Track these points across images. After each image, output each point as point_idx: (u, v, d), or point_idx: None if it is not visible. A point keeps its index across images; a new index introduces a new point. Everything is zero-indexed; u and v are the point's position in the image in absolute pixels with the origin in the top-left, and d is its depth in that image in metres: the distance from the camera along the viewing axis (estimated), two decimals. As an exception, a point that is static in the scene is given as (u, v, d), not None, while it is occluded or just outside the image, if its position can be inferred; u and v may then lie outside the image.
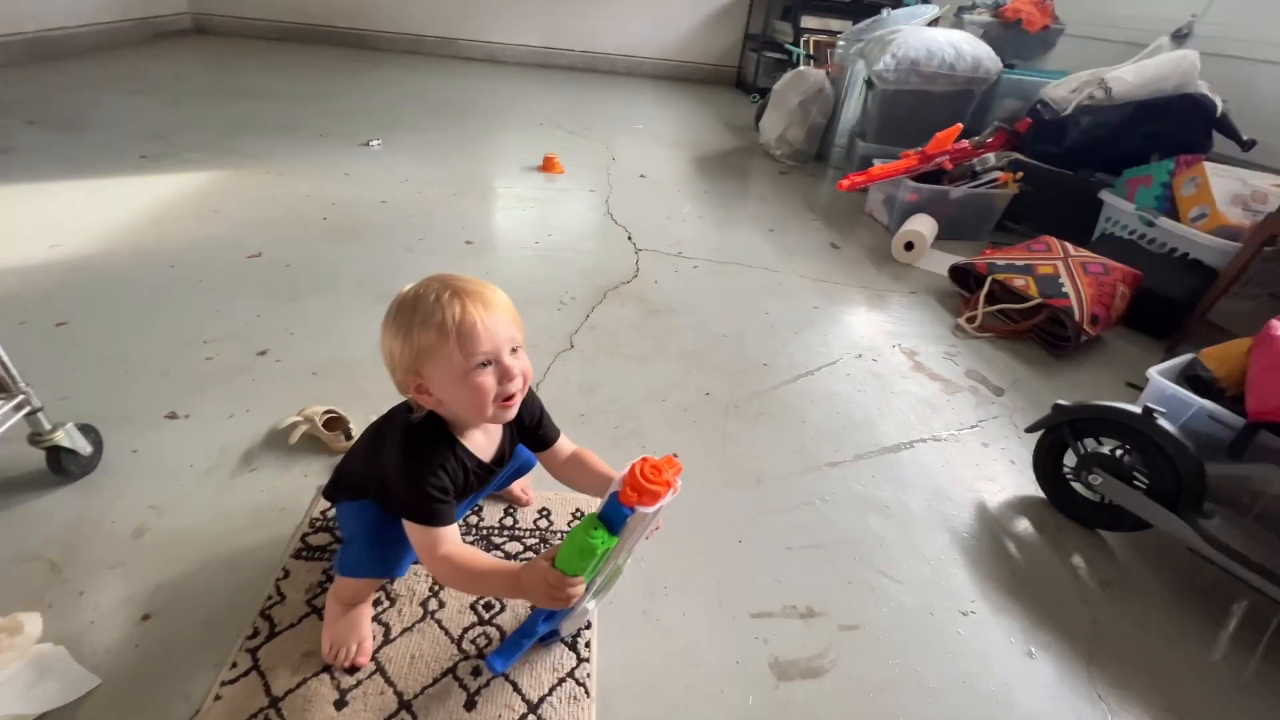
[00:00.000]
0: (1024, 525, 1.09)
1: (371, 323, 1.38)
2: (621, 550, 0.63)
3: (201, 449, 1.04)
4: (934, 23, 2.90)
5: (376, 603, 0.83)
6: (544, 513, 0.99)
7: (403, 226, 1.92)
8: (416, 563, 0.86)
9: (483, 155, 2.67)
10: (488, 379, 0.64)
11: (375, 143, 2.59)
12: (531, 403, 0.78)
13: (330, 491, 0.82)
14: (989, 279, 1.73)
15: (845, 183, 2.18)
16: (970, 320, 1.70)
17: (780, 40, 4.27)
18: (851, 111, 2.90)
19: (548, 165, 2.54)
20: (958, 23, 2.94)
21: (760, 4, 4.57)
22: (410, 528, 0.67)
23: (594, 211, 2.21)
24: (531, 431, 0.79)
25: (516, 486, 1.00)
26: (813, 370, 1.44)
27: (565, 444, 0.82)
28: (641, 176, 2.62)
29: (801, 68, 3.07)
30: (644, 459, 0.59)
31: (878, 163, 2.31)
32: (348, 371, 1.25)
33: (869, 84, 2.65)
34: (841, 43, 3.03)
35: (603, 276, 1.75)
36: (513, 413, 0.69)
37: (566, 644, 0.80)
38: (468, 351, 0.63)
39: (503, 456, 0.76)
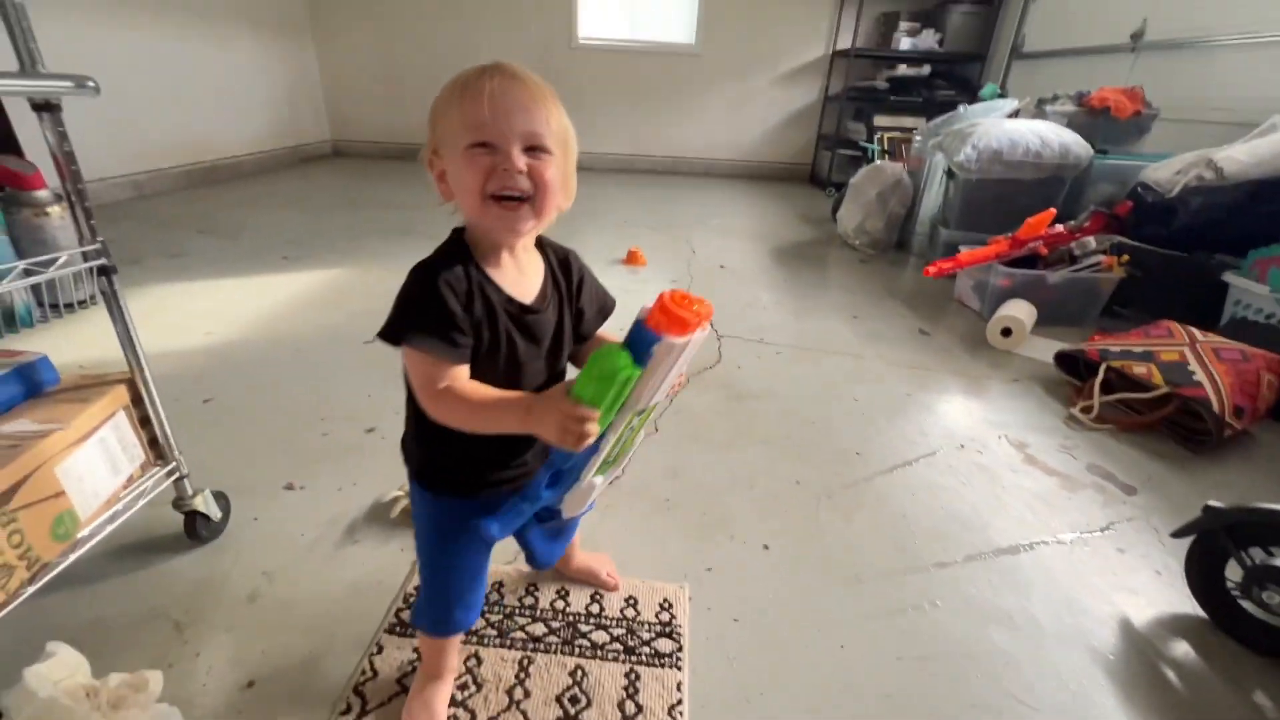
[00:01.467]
0: (1184, 649, 0.93)
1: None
2: (642, 392, 0.54)
3: (311, 519, 1.10)
4: (1014, 115, 2.92)
5: (463, 686, 0.81)
6: (630, 601, 0.96)
7: (499, 315, 2.05)
8: (479, 617, 0.82)
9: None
10: (480, 160, 0.55)
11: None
12: (577, 264, 0.69)
13: (406, 457, 0.72)
14: (1103, 366, 1.60)
15: (932, 269, 2.15)
16: (1086, 410, 1.57)
17: (854, 138, 4.42)
18: (932, 201, 2.89)
19: (631, 258, 2.68)
20: (1039, 114, 2.94)
21: (832, 106, 4.81)
22: (409, 359, 0.57)
23: (676, 300, 2.27)
24: (578, 289, 0.67)
25: (602, 570, 0.98)
26: (910, 461, 1.36)
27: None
28: (721, 267, 2.70)
29: (878, 162, 3.14)
30: (672, 290, 0.53)
31: (964, 249, 2.27)
32: (445, 449, 1.30)
33: (950, 174, 2.66)
34: (918, 138, 3.09)
35: (686, 362, 1.77)
36: (517, 224, 0.58)
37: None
38: (465, 120, 0.55)
39: (545, 300, 0.64)
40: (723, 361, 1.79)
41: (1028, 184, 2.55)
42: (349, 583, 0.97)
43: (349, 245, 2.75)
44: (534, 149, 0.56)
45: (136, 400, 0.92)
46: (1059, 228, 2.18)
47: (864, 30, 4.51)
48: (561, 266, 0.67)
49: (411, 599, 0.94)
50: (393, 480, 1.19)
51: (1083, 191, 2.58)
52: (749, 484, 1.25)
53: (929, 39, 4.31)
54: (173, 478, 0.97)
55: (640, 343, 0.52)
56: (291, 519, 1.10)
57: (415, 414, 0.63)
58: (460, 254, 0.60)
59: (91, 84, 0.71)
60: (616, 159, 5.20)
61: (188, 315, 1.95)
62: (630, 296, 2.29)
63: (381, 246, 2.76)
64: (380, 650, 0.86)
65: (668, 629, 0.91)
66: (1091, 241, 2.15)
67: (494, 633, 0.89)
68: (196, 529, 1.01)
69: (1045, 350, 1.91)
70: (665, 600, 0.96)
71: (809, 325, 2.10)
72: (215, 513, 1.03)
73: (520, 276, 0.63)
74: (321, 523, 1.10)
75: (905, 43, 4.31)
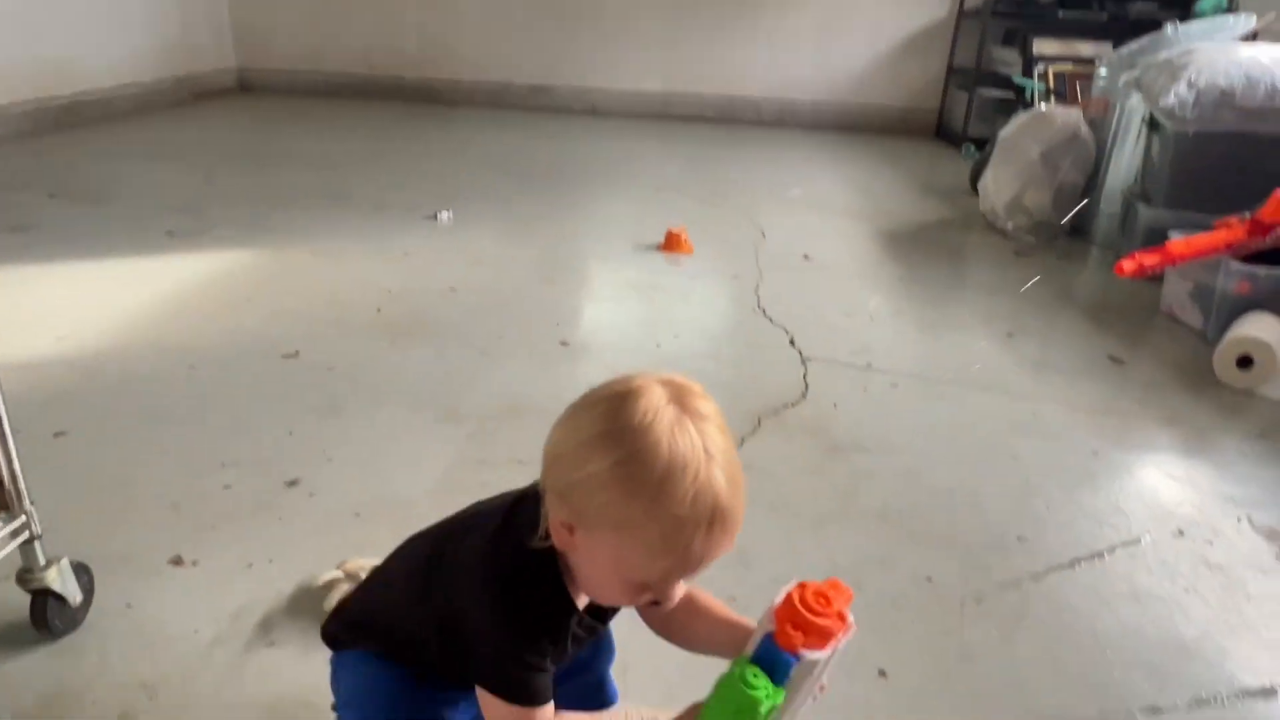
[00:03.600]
0: None
1: (434, 446, 1.47)
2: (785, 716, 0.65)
3: (209, 609, 1.13)
4: (1250, 38, 2.93)
5: None
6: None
7: (476, 321, 2.10)
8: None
9: (583, 230, 2.93)
10: (641, 593, 0.68)
11: (445, 215, 2.92)
12: None
13: (335, 631, 0.83)
14: (1400, 416, 1.57)
15: (1128, 265, 2.15)
16: (1373, 483, 1.54)
17: (1003, 72, 4.47)
18: (1125, 165, 2.90)
19: (671, 243, 2.73)
20: (1289, 37, 2.95)
21: (970, 27, 4.86)
22: (490, 702, 0.69)
23: (738, 305, 2.31)
24: None
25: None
26: (1100, 551, 1.35)
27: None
28: (805, 258, 2.73)
29: (1042, 107, 3.17)
30: (801, 584, 0.63)
31: (1176, 236, 2.26)
32: (402, 512, 1.32)
33: (1153, 125, 2.67)
34: (1102, 72, 3.11)
35: (755, 395, 1.79)
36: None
37: None
38: (661, 572, 0.65)
39: (604, 609, 0.79)
40: (810, 397, 1.80)
41: (1274, 141, 2.54)
42: (265, 705, 0.99)
43: (260, 218, 2.85)
44: None
45: (-24, 425, 0.97)
46: (1324, 207, 2.17)
47: (1018, -84, 4.58)
48: None
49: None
50: (324, 555, 1.22)
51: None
52: (855, 581, 1.23)
53: (1115, -72, 4.36)
54: (18, 539, 1.00)
55: (775, 663, 0.62)
56: (180, 608, 1.13)
57: (447, 587, 0.75)
58: (553, 582, 0.72)
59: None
60: (649, 100, 5.32)
61: (33, 312, 2.03)
62: (669, 298, 2.32)
63: (306, 220, 2.84)
64: (310, 805, 0.87)
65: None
66: (1376, 228, 2.13)
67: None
68: (48, 616, 1.04)
69: (1306, 391, 1.89)
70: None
71: (940, 346, 2.11)
72: (74, 594, 1.06)
73: None
74: (223, 615, 1.12)
75: (1080, -66, 4.37)
